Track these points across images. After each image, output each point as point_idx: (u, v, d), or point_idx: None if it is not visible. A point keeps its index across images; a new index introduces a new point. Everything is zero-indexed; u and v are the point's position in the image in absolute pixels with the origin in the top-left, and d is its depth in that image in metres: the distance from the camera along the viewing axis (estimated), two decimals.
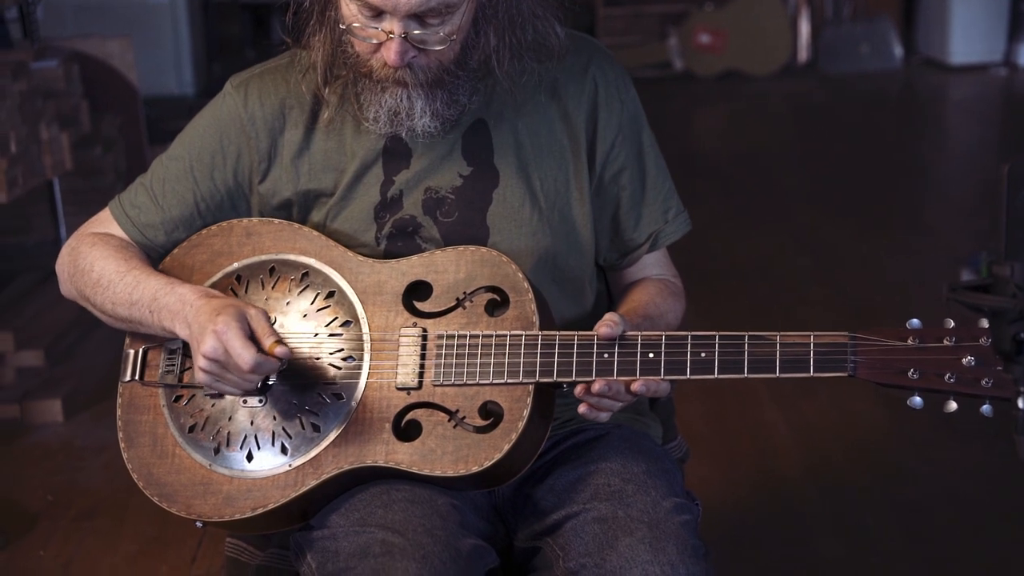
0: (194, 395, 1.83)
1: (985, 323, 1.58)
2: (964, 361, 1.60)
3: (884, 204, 5.94)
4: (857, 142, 7.30)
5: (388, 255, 1.86)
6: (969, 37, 8.83)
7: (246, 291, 1.85)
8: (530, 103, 1.87)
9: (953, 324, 1.62)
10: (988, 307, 1.31)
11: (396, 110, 1.79)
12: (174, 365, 1.85)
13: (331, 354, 1.79)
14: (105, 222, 1.97)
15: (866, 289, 4.79)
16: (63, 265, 1.96)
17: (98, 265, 1.90)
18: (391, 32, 1.71)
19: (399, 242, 1.86)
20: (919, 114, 8.28)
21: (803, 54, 9.21)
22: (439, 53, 1.75)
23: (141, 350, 1.88)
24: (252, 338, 1.71)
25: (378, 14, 1.72)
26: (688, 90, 8.77)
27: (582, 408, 1.71)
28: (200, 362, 1.73)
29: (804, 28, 9.23)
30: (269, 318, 1.75)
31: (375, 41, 1.74)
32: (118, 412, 1.87)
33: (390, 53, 1.72)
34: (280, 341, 1.72)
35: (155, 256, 1.94)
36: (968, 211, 5.78)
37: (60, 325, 4.25)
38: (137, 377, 1.87)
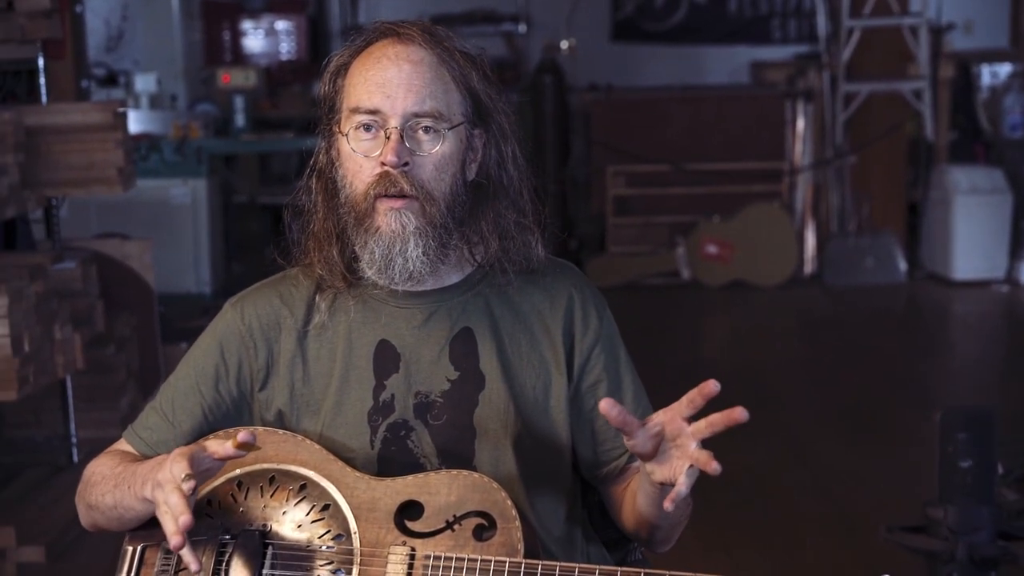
0: None
1: None
2: None
3: (885, 418, 5.97)
4: (860, 354, 7.37)
5: (381, 460, 1.93)
6: (972, 254, 8.97)
7: (245, 497, 1.91)
8: (512, 315, 1.98)
9: None
10: (922, 549, 1.36)
11: (391, 240, 1.89)
12: (169, 565, 1.89)
13: (321, 566, 1.84)
14: (118, 446, 2.05)
15: (862, 505, 4.79)
16: (78, 494, 2.03)
17: (98, 470, 1.99)
18: (390, 133, 1.86)
19: (392, 446, 1.94)
20: (923, 328, 8.36)
21: (809, 266, 9.35)
22: (431, 174, 1.88)
23: (139, 548, 1.92)
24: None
25: (375, 122, 1.88)
26: (695, 299, 8.89)
27: None
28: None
29: (810, 241, 9.39)
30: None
31: (375, 154, 1.88)
32: None
33: (388, 152, 1.86)
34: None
35: None
36: None
37: (62, 522, 4.27)
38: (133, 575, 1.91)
